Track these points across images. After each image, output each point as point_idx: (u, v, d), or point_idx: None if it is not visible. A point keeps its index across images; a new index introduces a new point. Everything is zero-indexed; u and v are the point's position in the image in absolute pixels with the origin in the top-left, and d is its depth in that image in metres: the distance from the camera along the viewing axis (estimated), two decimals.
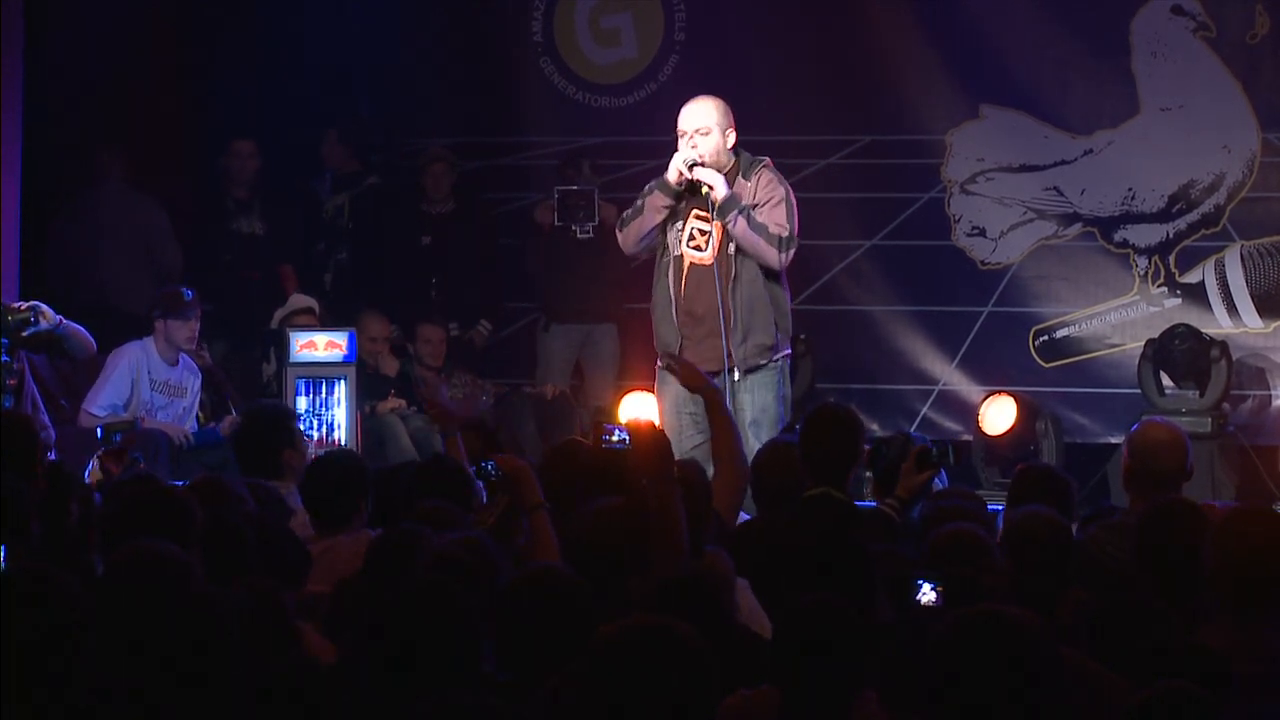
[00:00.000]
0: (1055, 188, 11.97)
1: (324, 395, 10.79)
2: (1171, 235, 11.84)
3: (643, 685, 3.75)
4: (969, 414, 11.71)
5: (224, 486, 6.45)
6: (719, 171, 8.87)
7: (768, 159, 9.10)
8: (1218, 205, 11.74)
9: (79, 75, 12.26)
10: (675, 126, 9.02)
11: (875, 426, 11.31)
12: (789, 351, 9.09)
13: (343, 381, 10.80)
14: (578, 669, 3.90)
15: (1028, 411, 11.51)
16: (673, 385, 8.62)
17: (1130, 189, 11.88)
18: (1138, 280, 11.87)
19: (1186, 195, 11.79)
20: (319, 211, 12.56)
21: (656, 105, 12.34)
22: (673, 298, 8.92)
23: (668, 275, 8.97)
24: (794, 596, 4.76)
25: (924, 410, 12.01)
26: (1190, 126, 11.73)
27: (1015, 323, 12.01)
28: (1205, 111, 11.71)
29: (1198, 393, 11.22)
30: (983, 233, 12.06)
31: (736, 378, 8.76)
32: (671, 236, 8.98)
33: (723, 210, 8.80)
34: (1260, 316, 11.68)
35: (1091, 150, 11.91)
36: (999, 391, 11.66)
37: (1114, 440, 11.30)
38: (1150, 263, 11.86)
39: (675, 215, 8.97)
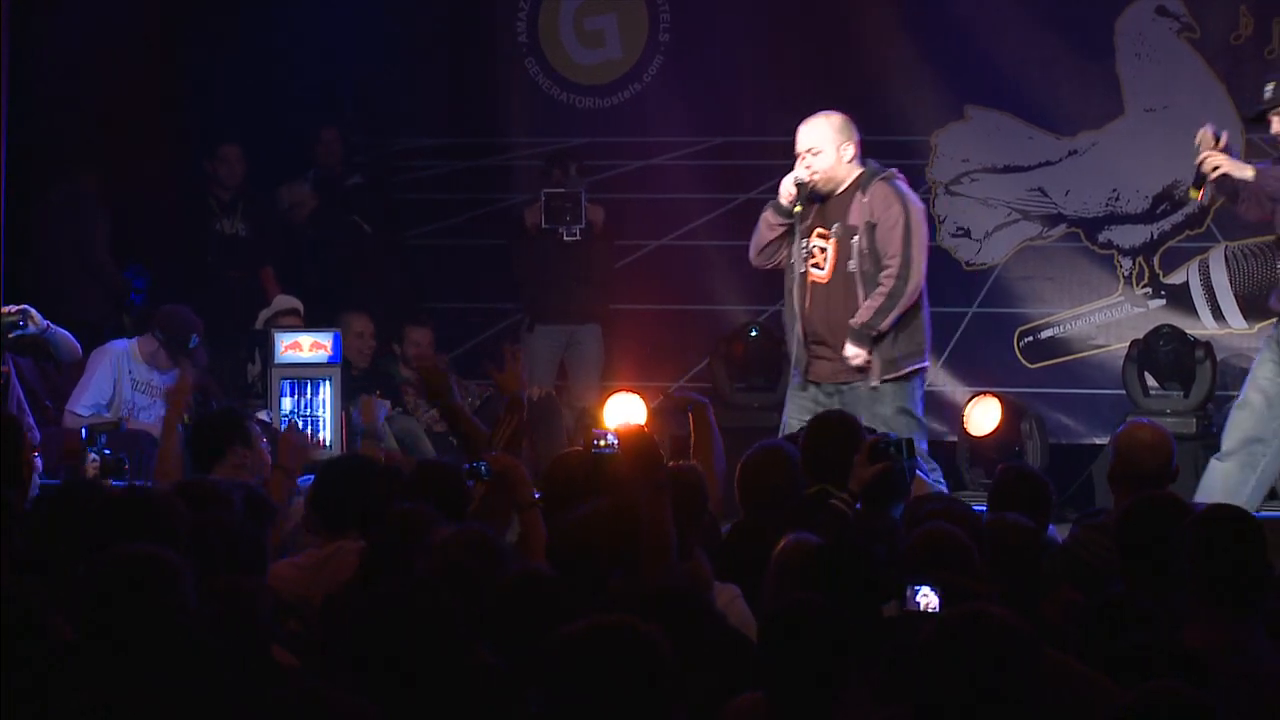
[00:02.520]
0: (1040, 188, 11.99)
1: (309, 396, 10.78)
2: (1156, 236, 11.86)
3: (598, 684, 3.75)
4: (954, 415, 11.71)
5: (211, 488, 6.43)
6: (836, 186, 8.88)
7: (896, 171, 9.13)
8: (1202, 206, 11.75)
9: (64, 80, 12.23)
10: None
11: None
12: (917, 366, 9.03)
13: (328, 382, 10.80)
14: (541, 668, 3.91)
15: (1012, 412, 11.50)
16: (796, 396, 8.92)
17: (1114, 190, 11.90)
18: (1122, 281, 11.89)
19: (1170, 196, 11.80)
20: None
21: (641, 106, 12.37)
22: (798, 315, 8.96)
23: (793, 293, 9.00)
24: (778, 597, 4.76)
25: None
26: (1174, 127, 11.70)
27: (1000, 323, 12.02)
28: (1189, 112, 11.69)
29: (1182, 393, 11.22)
30: (967, 233, 12.08)
31: (873, 384, 8.83)
32: (796, 253, 9.00)
33: (859, 340, 8.82)
34: (1244, 317, 11.70)
35: (1076, 151, 11.93)
36: (984, 392, 11.64)
37: (1099, 441, 11.33)
38: (1135, 263, 11.88)
39: (799, 231, 8.98)
